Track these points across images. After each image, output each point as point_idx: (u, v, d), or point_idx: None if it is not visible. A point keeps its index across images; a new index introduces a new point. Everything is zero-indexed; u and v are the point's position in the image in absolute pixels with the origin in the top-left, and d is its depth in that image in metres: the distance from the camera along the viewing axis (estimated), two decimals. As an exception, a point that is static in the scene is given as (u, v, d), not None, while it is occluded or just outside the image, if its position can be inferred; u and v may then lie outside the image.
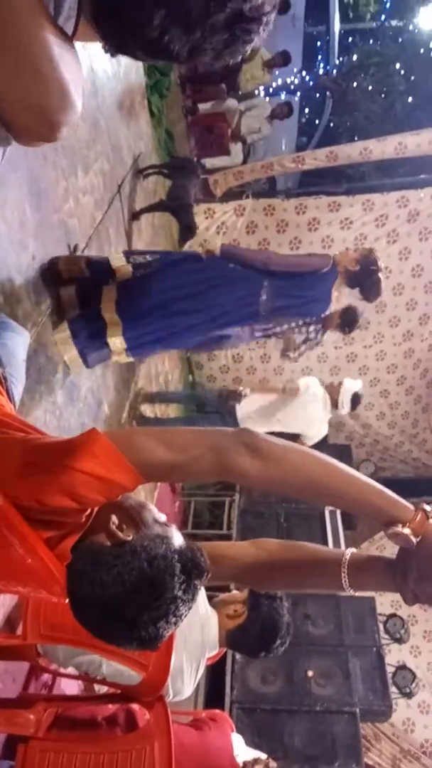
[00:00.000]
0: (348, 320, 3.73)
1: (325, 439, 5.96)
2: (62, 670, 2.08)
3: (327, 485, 1.05)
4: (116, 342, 2.87)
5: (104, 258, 3.01)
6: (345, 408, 4.22)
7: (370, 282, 3.11)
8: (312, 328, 3.95)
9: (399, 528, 1.02)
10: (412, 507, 1.04)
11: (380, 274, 3.12)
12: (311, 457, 1.05)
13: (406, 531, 1.01)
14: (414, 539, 1.02)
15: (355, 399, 4.24)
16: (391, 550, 1.15)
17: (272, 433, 1.10)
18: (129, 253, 3.07)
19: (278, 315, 3.11)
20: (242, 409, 4.17)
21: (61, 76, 0.75)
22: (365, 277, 3.08)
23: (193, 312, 2.92)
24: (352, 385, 4.23)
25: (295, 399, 4.13)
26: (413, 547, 1.03)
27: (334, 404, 4.19)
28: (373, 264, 3.09)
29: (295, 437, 4.44)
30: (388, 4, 12.64)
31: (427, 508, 1.05)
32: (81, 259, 2.87)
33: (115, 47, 0.79)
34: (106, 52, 0.81)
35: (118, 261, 2.94)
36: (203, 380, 6.56)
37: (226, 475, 1.06)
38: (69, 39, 0.78)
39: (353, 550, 1.19)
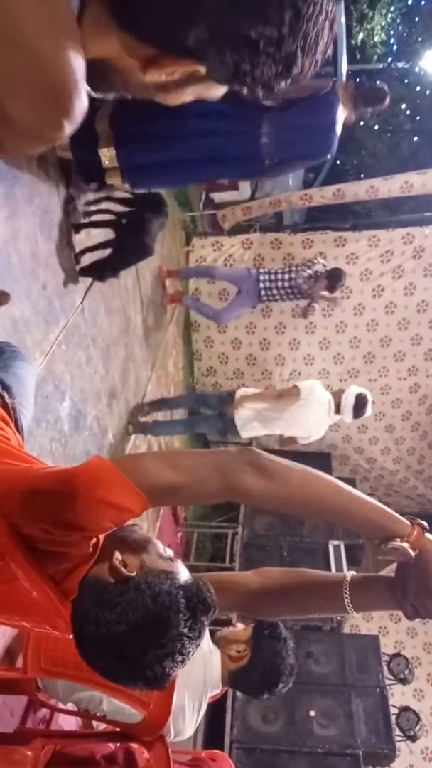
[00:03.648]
0: (334, 280, 4.76)
1: (329, 472, 5.92)
2: (61, 706, 2.04)
3: (329, 502, 1.07)
4: (107, 153, 2.64)
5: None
6: (347, 413, 4.14)
7: (375, 95, 3.11)
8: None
9: (397, 542, 1.05)
10: (408, 522, 1.08)
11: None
12: (314, 475, 1.07)
13: (405, 545, 1.04)
14: (412, 553, 1.04)
15: (359, 404, 4.12)
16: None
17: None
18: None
19: (283, 154, 2.82)
20: (242, 416, 4.13)
21: (69, 55, 0.58)
22: (371, 92, 3.10)
23: (191, 148, 2.71)
24: (355, 390, 4.17)
25: (296, 402, 4.06)
26: (411, 560, 1.05)
27: (337, 409, 4.16)
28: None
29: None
30: (394, 47, 12.99)
31: (424, 522, 1.09)
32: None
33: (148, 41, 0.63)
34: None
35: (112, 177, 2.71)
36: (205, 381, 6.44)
37: (232, 494, 1.07)
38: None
39: (353, 572, 1.21)
